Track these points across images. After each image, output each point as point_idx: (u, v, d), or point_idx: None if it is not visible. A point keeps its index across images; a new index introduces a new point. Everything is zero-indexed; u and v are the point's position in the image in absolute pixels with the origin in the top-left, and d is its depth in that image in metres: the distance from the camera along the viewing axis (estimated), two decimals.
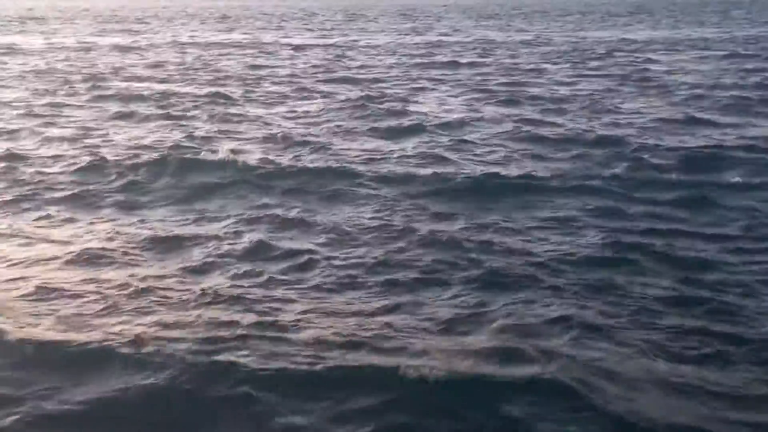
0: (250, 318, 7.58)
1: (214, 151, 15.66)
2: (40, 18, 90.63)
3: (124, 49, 44.46)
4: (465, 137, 17.06)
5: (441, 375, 6.22)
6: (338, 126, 18.44)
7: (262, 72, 31.53)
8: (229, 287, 8.36)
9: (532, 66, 33.23)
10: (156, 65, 34.53)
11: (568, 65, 33.26)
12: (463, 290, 8.32)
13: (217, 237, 10.16)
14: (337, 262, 9.07)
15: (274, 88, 26.41)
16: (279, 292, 8.22)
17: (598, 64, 33.94)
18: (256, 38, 54.59)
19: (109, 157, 15.03)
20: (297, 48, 45.91)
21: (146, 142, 16.82)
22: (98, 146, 16.26)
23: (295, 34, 61.57)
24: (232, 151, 15.49)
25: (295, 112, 20.82)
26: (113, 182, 13.20)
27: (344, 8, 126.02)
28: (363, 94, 24.37)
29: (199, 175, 13.74)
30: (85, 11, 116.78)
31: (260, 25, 77.65)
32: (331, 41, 52.62)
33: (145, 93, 24.66)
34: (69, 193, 12.65)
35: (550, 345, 6.92)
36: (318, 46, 47.67)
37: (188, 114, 20.61)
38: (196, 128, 18.45)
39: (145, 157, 15.22)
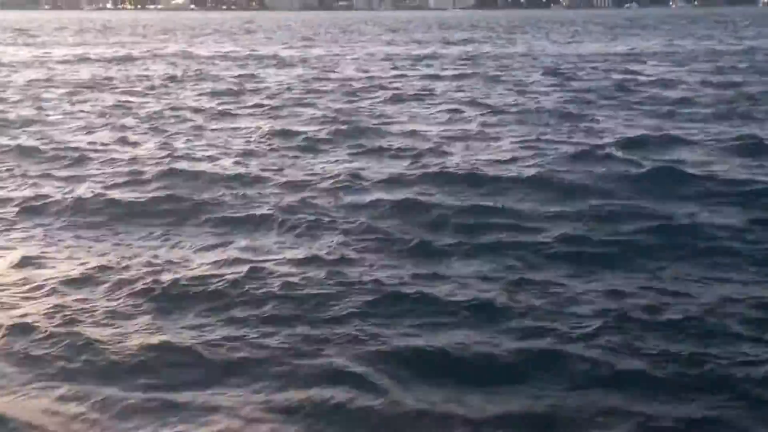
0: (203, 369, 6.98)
1: (192, 166, 15.26)
2: (36, 30, 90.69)
3: (113, 61, 44.28)
4: (439, 156, 16.45)
5: None
6: (313, 143, 17.92)
7: (248, 85, 31.27)
8: (196, 320, 7.87)
9: (521, 78, 33.00)
10: (141, 77, 34.27)
11: (555, 76, 32.99)
12: (415, 322, 7.88)
13: (185, 261, 9.61)
14: (294, 292, 8.50)
15: (257, 100, 26.09)
16: (227, 330, 7.61)
17: (586, 75, 33.70)
18: (248, 51, 54.38)
19: (83, 173, 14.71)
20: (287, 60, 45.74)
21: (121, 155, 16.42)
22: (72, 162, 15.84)
23: (286, 47, 61.48)
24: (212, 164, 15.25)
25: (275, 126, 20.22)
26: (87, 199, 12.65)
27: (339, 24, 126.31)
28: (343, 107, 24.12)
29: (175, 190, 13.23)
30: (80, 23, 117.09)
31: (256, 39, 77.66)
32: (320, 53, 52.53)
33: (127, 105, 24.40)
34: (32, 205, 12.23)
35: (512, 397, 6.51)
36: (308, 58, 47.46)
37: (169, 128, 20.17)
38: (176, 141, 18.03)
39: (122, 170, 14.90)
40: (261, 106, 24.56)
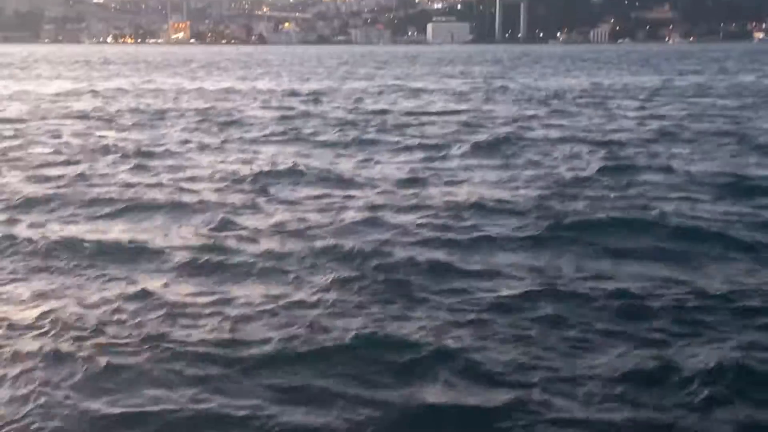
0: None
1: (167, 199, 15.20)
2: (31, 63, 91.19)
3: (104, 95, 44.54)
4: (413, 189, 16.27)
5: None
6: (288, 180, 17.48)
7: (234, 118, 31.37)
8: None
9: (506, 111, 33.16)
10: (126, 110, 34.41)
11: (537, 111, 33.15)
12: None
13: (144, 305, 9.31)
14: (259, 339, 8.22)
15: (239, 134, 26.08)
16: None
17: (570, 108, 33.91)
18: (240, 85, 54.66)
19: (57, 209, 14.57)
20: (278, 94, 46.02)
21: (97, 188, 16.33)
22: (46, 199, 15.57)
23: (277, 80, 61.86)
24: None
25: (257, 162, 19.94)
26: (56, 236, 12.35)
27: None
28: (328, 138, 24.20)
29: (145, 226, 13.07)
30: (77, 56, 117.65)
31: (250, 73, 78.06)
32: (311, 87, 52.82)
33: (110, 139, 24.45)
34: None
35: None
36: (294, 93, 47.64)
37: (150, 162, 20.13)
38: (156, 176, 17.95)
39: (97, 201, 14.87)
40: (243, 140, 24.54)
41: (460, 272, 10.50)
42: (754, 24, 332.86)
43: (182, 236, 12.46)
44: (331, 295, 9.61)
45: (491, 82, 58.00)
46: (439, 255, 11.24)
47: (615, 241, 11.89)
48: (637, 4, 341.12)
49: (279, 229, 12.84)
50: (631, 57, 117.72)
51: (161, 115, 32.61)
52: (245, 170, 18.48)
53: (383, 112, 33.85)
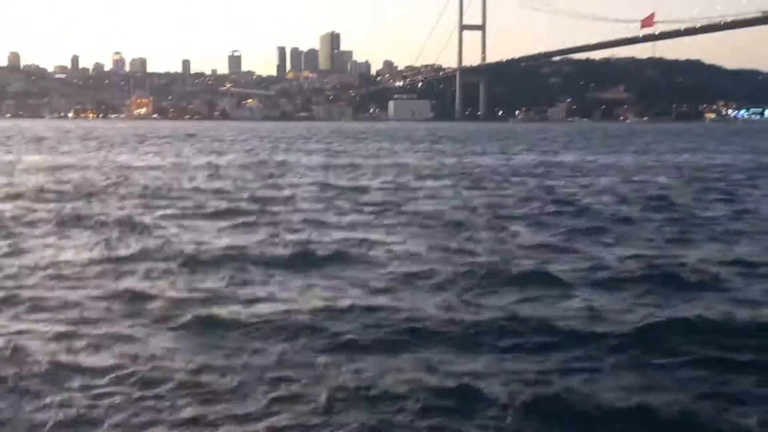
0: None
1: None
2: None
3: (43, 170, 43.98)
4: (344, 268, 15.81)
5: None
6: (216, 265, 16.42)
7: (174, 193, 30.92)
8: None
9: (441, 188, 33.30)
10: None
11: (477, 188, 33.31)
12: None
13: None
14: None
15: (182, 208, 25.39)
16: None
17: (512, 186, 34.17)
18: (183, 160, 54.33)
19: None
20: (225, 168, 45.96)
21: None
22: None
23: (231, 154, 61.97)
24: None
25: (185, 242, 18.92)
26: None
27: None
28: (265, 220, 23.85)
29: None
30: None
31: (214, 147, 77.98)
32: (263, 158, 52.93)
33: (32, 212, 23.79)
34: None
35: None
36: (249, 163, 47.55)
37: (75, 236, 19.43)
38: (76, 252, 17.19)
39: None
40: (182, 215, 23.85)
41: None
42: (704, 105, 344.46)
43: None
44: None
45: (431, 160, 58.46)
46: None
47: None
48: (592, 84, 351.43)
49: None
50: (579, 135, 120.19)
51: (95, 191, 32.01)
52: (174, 253, 17.87)
53: (315, 184, 33.65)
